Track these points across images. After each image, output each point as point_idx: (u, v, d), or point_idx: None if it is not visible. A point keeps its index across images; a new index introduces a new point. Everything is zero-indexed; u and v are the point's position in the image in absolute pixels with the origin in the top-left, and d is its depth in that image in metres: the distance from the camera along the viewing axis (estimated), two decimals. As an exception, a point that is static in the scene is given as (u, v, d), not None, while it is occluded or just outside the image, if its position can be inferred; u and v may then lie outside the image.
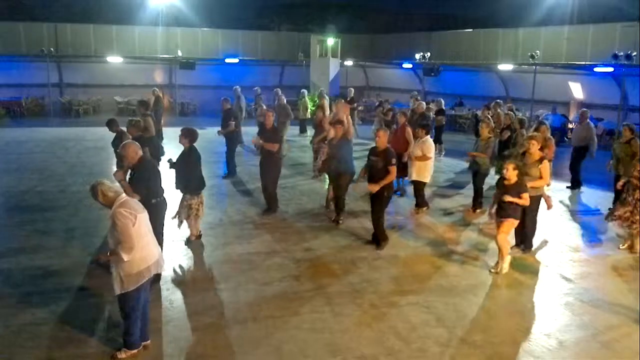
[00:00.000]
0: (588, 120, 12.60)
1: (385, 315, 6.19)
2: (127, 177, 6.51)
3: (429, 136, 10.19)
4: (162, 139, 17.24)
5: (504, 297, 6.80)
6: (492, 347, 5.60)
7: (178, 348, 5.42)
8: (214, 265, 7.57)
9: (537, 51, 19.29)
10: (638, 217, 7.96)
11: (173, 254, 7.67)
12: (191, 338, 5.63)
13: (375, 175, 7.95)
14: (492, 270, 7.32)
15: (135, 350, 5.13)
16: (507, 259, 7.34)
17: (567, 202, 11.50)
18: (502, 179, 7.22)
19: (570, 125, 19.97)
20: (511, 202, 7.00)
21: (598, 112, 20.07)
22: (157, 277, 6.29)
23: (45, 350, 5.27)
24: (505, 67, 21.80)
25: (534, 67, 19.49)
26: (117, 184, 5.71)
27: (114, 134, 9.66)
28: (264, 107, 16.03)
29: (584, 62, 19.71)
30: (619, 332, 5.91)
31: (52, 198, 10.68)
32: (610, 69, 18.20)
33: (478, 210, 10.18)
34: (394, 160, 7.90)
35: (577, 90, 21.74)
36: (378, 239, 8.27)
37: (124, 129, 9.45)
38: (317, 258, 7.85)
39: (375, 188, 7.87)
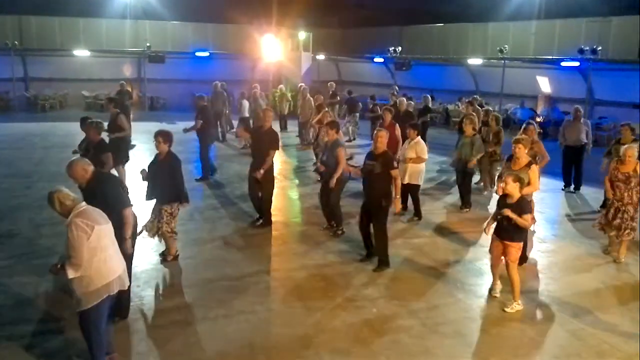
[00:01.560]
0: (582, 118, 11.89)
1: (359, 308, 6.21)
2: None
3: (420, 137, 9.54)
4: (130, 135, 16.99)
5: (474, 286, 6.88)
6: (461, 337, 5.68)
7: (148, 345, 5.36)
8: (189, 281, 7.48)
9: (506, 46, 19.57)
10: (631, 224, 7.59)
11: (146, 266, 7.53)
12: (161, 335, 5.55)
13: (371, 183, 7.13)
14: (507, 310, 6.18)
15: None
16: (520, 300, 6.28)
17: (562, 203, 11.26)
18: (503, 196, 6.17)
19: (538, 119, 20.32)
20: (513, 222, 5.96)
21: (565, 105, 20.48)
22: (125, 313, 5.75)
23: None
24: (475, 61, 22.06)
25: (502, 61, 19.77)
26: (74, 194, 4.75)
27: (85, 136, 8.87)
28: (263, 105, 15.55)
29: (551, 57, 20.07)
30: (586, 321, 6.04)
31: (19, 195, 10.45)
32: (577, 63, 18.56)
33: (466, 210, 10.05)
34: (395, 164, 7.25)
35: (544, 84, 22.14)
36: (378, 259, 7.30)
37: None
38: (303, 277, 7.06)
39: (398, 205, 7.53)
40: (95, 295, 4.46)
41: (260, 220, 8.93)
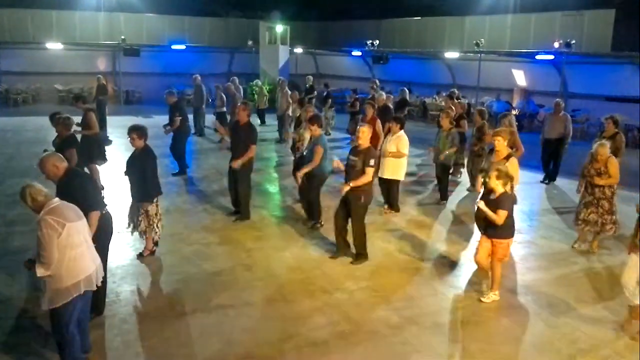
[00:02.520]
0: (564, 111, 11.93)
1: (338, 300, 6.23)
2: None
3: (403, 131, 9.38)
4: (106, 128, 16.75)
5: (451, 278, 6.94)
6: (439, 327, 5.73)
7: (125, 341, 5.30)
8: (166, 279, 7.40)
9: (482, 39, 19.72)
10: (610, 217, 7.65)
11: (124, 265, 7.44)
12: (138, 331, 5.50)
13: (352, 177, 7.04)
14: (483, 299, 6.26)
15: None
16: (497, 291, 6.34)
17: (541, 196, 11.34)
18: (487, 191, 6.14)
19: (514, 112, 20.55)
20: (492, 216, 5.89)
21: (540, 98, 20.75)
22: (100, 309, 5.66)
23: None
24: (451, 55, 22.20)
25: (479, 55, 19.93)
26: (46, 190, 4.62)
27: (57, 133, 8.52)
28: (238, 98, 15.32)
29: (526, 50, 20.30)
30: (560, 310, 6.15)
31: (-11, 191, 10.25)
32: (551, 57, 18.80)
33: (443, 203, 10.08)
34: (372, 162, 7.05)
35: (520, 78, 22.39)
36: (357, 252, 7.30)
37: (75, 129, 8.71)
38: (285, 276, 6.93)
39: (346, 188, 6.96)
40: (65, 294, 4.37)
41: (237, 215, 8.89)
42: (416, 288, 6.62)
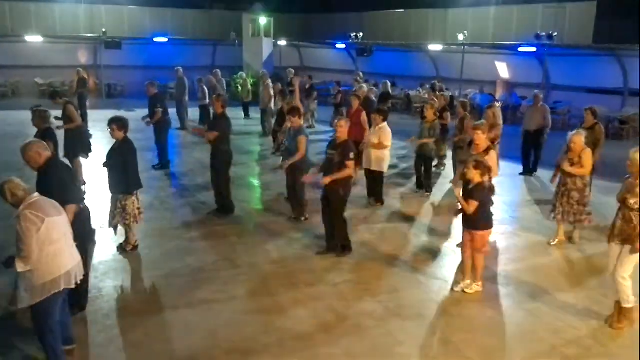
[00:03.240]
0: (542, 102, 12.02)
1: (322, 293, 6.24)
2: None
3: (386, 123, 9.35)
4: (87, 121, 16.53)
5: (434, 269, 6.98)
6: (423, 319, 5.77)
7: (108, 337, 5.26)
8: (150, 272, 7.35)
9: (465, 32, 19.79)
10: (581, 208, 7.61)
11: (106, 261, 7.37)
12: (121, 326, 5.47)
13: (329, 171, 7.03)
14: (467, 291, 6.30)
15: None
16: (480, 282, 6.38)
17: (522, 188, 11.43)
18: (467, 182, 6.17)
19: (497, 104, 20.66)
20: (478, 211, 5.98)
21: (522, 90, 20.89)
22: (83, 304, 5.62)
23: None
24: (435, 47, 22.25)
25: (462, 47, 20.00)
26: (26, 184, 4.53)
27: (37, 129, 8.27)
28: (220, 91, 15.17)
29: (509, 43, 20.42)
30: (542, 300, 6.22)
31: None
32: (533, 49, 18.93)
33: (427, 194, 10.12)
34: (351, 155, 6.98)
35: (503, 70, 22.52)
36: (341, 245, 7.29)
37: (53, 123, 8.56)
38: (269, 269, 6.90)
39: (326, 180, 6.91)
40: (42, 290, 4.31)
41: (221, 209, 8.85)
42: (400, 280, 6.66)
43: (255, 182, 11.35)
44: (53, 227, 4.33)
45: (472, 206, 5.96)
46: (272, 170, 11.78)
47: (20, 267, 4.21)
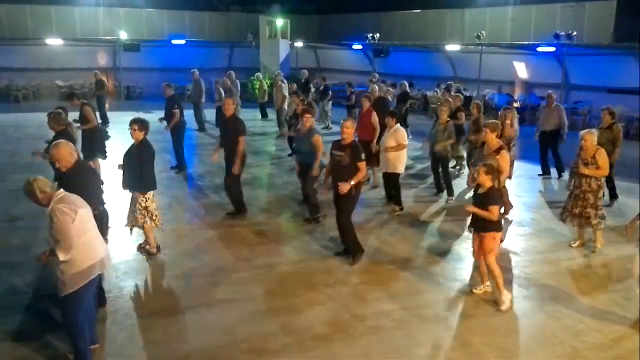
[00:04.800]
0: (556, 102, 11.85)
1: (340, 293, 6.24)
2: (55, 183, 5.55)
3: (399, 125, 9.31)
4: (108, 123, 16.74)
5: (453, 271, 6.95)
6: (442, 320, 5.75)
7: (128, 336, 5.32)
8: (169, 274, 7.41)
9: (483, 32, 19.65)
10: (593, 211, 7.36)
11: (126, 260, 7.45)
12: (142, 325, 5.52)
13: (340, 174, 6.87)
14: (502, 308, 5.95)
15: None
16: (506, 292, 6.06)
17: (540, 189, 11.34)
18: (477, 186, 6.04)
19: (515, 105, 20.50)
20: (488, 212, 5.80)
21: (541, 90, 20.67)
22: (103, 301, 5.68)
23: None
24: (452, 47, 22.13)
25: (480, 47, 19.87)
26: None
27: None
28: (222, 92, 15.24)
29: (527, 42, 20.23)
30: (563, 302, 6.15)
31: (-9, 187, 10.28)
32: (552, 49, 18.73)
33: (450, 198, 9.97)
34: (363, 156, 6.89)
35: (521, 70, 22.32)
36: (350, 251, 7.14)
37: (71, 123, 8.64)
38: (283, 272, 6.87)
39: (346, 187, 6.73)
40: (81, 277, 4.47)
41: (235, 211, 8.80)
42: (418, 281, 6.62)
43: (272, 183, 11.36)
44: (85, 217, 4.51)
45: (495, 212, 5.82)
46: (288, 171, 11.81)
47: (62, 256, 4.35)
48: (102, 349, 5.03)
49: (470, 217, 6.17)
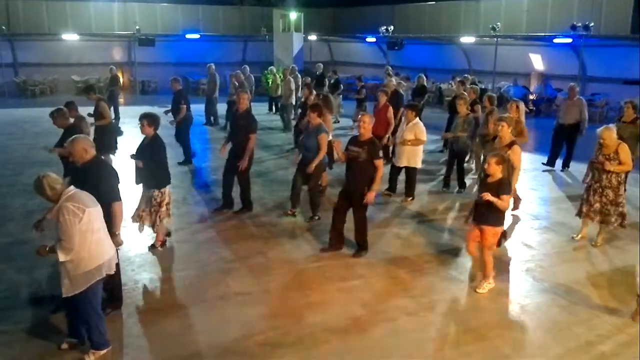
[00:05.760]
0: (578, 95, 11.65)
1: (354, 288, 6.25)
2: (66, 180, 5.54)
3: (418, 118, 9.30)
4: (119, 118, 16.87)
5: (466, 265, 6.92)
6: (456, 313, 5.74)
7: (143, 328, 5.38)
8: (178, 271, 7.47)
9: (498, 23, 19.46)
10: (613, 208, 7.23)
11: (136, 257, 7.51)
12: (156, 318, 5.57)
13: (356, 170, 6.81)
14: (478, 290, 6.14)
15: (104, 351, 4.80)
16: (491, 279, 6.22)
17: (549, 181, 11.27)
18: (485, 176, 6.05)
19: (531, 97, 20.32)
20: (491, 205, 5.75)
21: (557, 82, 20.46)
22: (119, 304, 5.67)
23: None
24: (467, 39, 21.94)
25: (495, 39, 19.68)
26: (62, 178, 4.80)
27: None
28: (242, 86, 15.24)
29: (543, 34, 19.99)
30: (577, 297, 6.11)
31: (11, 181, 10.41)
32: (569, 40, 18.50)
33: (460, 191, 9.95)
34: (380, 153, 6.83)
35: (537, 62, 22.09)
36: (359, 244, 7.15)
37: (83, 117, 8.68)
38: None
39: (371, 197, 6.75)
40: (88, 277, 4.48)
41: (241, 207, 8.71)
42: (432, 276, 6.61)
43: (281, 178, 11.35)
44: (94, 217, 4.47)
45: (508, 201, 5.83)
46: (294, 165, 11.78)
47: (62, 257, 4.34)
48: (117, 342, 5.07)
49: (474, 210, 6.11)
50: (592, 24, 17.23)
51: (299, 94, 16.01)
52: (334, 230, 7.21)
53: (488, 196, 5.69)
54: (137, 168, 6.88)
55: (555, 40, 19.09)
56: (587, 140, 10.52)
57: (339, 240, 7.23)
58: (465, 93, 11.71)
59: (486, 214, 5.88)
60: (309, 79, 16.16)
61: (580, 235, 7.71)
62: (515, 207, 8.71)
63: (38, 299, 5.91)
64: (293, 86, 16.12)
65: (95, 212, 4.51)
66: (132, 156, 6.93)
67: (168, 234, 7.37)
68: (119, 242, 5.24)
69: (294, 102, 16.22)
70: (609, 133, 7.05)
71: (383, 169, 7.03)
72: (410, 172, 9.38)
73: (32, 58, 25.13)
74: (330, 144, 8.20)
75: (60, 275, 4.51)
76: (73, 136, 5.29)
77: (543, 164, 11.82)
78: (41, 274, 6.43)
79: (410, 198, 9.44)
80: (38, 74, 24.71)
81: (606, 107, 18.49)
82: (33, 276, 6.41)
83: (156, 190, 6.85)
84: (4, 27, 22.11)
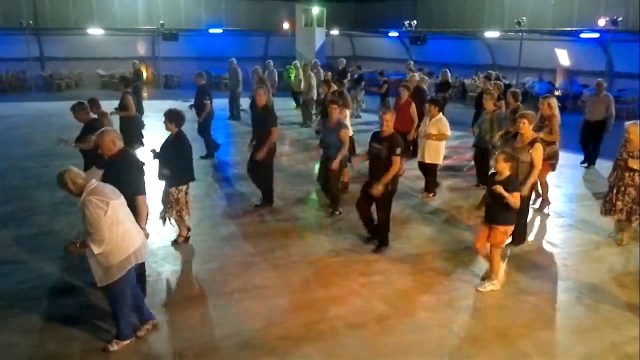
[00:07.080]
0: (606, 91, 11.44)
1: (373, 283, 6.25)
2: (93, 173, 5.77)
3: (441, 114, 9.22)
4: (143, 112, 17.05)
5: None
6: (477, 311, 5.70)
7: (166, 320, 5.44)
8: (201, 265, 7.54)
9: (524, 17, 19.16)
10: (636, 207, 7.07)
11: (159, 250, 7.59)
12: (178, 310, 5.63)
13: (377, 167, 6.79)
14: (480, 289, 6.09)
15: (127, 341, 4.89)
16: (500, 278, 6.15)
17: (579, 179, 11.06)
18: (492, 174, 6.01)
19: (556, 93, 19.99)
20: (505, 204, 5.69)
21: (584, 78, 20.11)
22: (143, 286, 5.71)
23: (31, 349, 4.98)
24: (491, 34, 21.67)
25: (520, 34, 19.39)
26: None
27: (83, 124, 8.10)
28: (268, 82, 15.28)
29: (569, 29, 19.64)
30: (602, 296, 6.02)
31: (37, 173, 10.60)
32: (596, 35, 18.14)
33: (483, 187, 9.59)
34: (399, 150, 6.68)
35: (563, 57, 21.72)
36: (380, 240, 7.18)
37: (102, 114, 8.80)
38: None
39: (379, 190, 6.69)
40: (119, 268, 4.58)
41: (261, 201, 8.78)
42: (453, 272, 6.57)
43: (302, 173, 11.36)
44: (118, 209, 4.53)
45: (518, 198, 5.75)
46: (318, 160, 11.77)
47: (95, 249, 4.42)
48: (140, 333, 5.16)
49: (484, 208, 6.03)
50: (620, 18, 16.85)
51: (320, 89, 15.99)
52: (363, 220, 7.27)
53: (500, 188, 5.62)
54: (159, 163, 6.92)
55: (582, 36, 18.74)
56: (614, 137, 10.30)
57: (373, 225, 7.22)
58: (491, 89, 11.56)
59: (496, 214, 5.84)
60: (330, 74, 16.12)
61: (614, 234, 7.56)
62: (541, 208, 8.60)
63: (66, 288, 6.02)
64: (314, 81, 16.12)
65: (118, 203, 4.56)
66: (153, 152, 6.96)
67: (188, 229, 7.41)
68: (145, 235, 5.29)
69: (314, 97, 16.21)
70: (635, 128, 6.89)
71: (403, 166, 6.99)
72: (431, 167, 9.32)
73: (58, 52, 25.55)
74: (352, 139, 8.19)
75: (91, 268, 4.58)
76: (102, 129, 5.35)
77: (581, 163, 11.60)
78: (69, 265, 6.54)
79: (432, 194, 9.40)
80: (64, 68, 25.08)
81: (633, 104, 18.10)
82: (61, 266, 6.53)
83: (174, 188, 6.87)
84: (31, 22, 22.46)
